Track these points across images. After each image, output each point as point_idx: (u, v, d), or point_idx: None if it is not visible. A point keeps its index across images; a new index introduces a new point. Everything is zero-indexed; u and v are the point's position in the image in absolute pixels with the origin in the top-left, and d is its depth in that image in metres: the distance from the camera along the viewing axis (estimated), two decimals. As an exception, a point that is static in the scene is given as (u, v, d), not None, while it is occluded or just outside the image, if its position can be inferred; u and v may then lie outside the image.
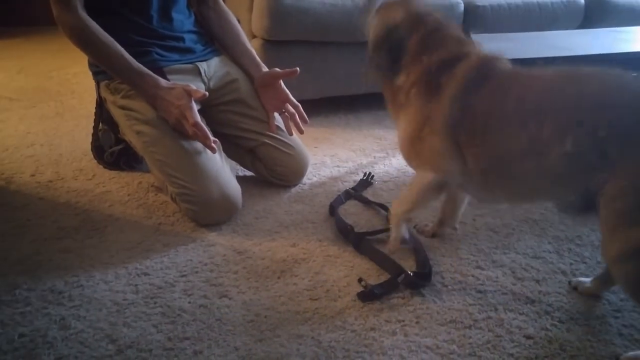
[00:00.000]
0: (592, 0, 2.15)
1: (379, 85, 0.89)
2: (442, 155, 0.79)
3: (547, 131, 0.68)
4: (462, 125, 0.75)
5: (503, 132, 0.73)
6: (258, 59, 1.26)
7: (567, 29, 2.08)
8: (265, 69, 1.24)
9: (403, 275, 0.85)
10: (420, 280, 0.86)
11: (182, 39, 1.20)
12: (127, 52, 1.05)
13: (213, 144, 1.02)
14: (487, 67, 0.76)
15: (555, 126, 0.67)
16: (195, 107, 1.03)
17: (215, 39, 1.29)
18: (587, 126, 0.65)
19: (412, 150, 0.83)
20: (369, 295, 0.84)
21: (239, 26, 1.29)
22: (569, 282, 0.88)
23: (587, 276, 0.88)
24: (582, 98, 0.67)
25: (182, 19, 1.21)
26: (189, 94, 1.02)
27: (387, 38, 0.81)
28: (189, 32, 1.23)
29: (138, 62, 1.05)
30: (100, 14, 1.05)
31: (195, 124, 1.01)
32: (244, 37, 1.28)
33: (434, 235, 1.02)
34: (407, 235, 0.92)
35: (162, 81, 1.05)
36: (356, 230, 1.02)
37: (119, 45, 1.04)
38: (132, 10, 1.10)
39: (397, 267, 0.88)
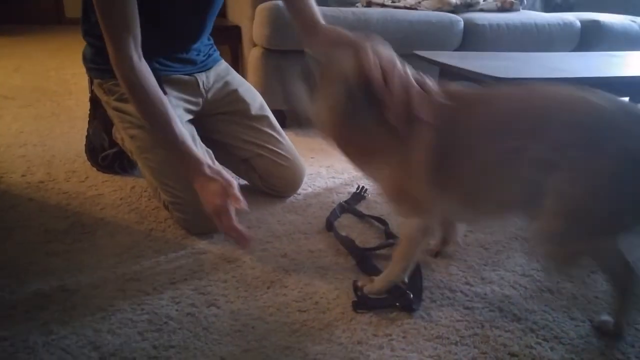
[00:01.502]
0: (588, 24, 2.20)
1: (342, 137, 0.82)
2: (428, 201, 0.79)
3: (511, 144, 0.72)
4: (442, 165, 0.76)
5: (476, 152, 0.76)
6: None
7: (563, 50, 2.12)
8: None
9: (403, 297, 0.85)
10: (415, 307, 0.85)
11: (187, 50, 1.20)
12: None
13: (246, 243, 0.92)
14: (449, 101, 0.76)
15: (517, 139, 0.72)
16: (232, 209, 0.91)
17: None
18: (537, 141, 0.70)
19: (399, 200, 0.83)
20: (361, 304, 0.84)
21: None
22: (591, 322, 0.82)
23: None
24: (531, 116, 0.73)
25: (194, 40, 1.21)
26: (226, 193, 0.91)
27: (346, 98, 0.76)
28: (197, 44, 1.22)
29: None
30: None
31: (230, 229, 0.90)
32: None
33: (436, 255, 1.01)
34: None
35: (205, 167, 0.94)
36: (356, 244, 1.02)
37: (171, 110, 0.96)
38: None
39: (401, 291, 0.88)
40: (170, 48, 1.15)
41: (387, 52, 0.78)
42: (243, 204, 0.91)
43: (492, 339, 0.79)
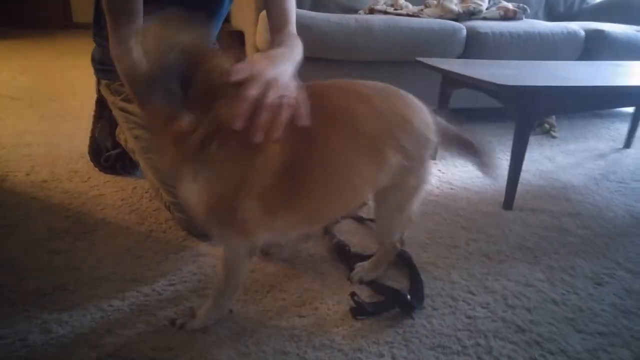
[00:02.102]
0: (592, 33, 2.20)
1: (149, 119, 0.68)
2: (259, 218, 0.69)
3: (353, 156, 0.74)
4: (284, 179, 0.68)
5: (323, 168, 0.72)
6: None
7: (567, 59, 2.12)
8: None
9: (399, 297, 0.84)
10: (414, 304, 0.85)
11: None
12: None
13: None
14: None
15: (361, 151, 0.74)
16: None
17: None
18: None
19: (219, 214, 0.69)
20: (360, 310, 0.83)
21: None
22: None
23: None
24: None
25: None
26: None
27: (170, 63, 0.60)
28: None
29: None
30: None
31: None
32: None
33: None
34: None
35: None
36: (353, 250, 1.01)
37: None
38: None
39: (394, 290, 0.87)
40: None
41: (276, 69, 0.72)
42: None
43: (496, 350, 0.77)
